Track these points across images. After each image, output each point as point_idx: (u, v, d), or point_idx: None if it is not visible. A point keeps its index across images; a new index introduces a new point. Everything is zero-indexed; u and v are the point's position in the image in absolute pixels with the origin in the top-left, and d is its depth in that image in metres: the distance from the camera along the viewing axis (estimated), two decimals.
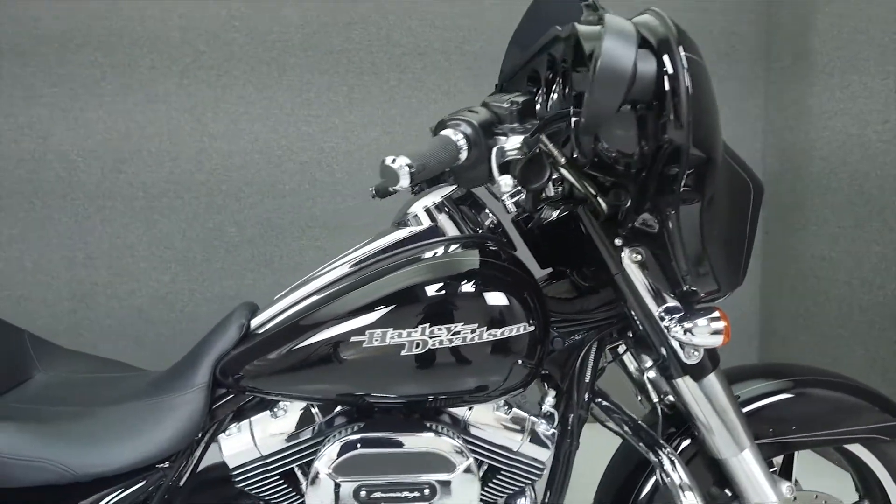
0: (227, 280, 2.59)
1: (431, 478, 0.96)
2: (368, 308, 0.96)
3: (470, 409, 1.03)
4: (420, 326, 0.94)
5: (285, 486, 1.04)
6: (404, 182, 0.80)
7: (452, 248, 1.01)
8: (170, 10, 2.46)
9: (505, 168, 0.97)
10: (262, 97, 2.54)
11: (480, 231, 1.08)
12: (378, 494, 0.95)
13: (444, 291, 0.96)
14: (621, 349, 1.19)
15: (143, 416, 0.99)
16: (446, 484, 0.96)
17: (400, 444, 0.97)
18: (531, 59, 1.13)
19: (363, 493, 0.95)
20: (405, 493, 0.95)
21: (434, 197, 1.09)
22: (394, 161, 0.79)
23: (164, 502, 1.01)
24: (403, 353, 0.94)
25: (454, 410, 1.04)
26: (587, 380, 1.09)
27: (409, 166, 0.83)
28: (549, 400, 1.08)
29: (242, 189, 2.57)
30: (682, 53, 0.80)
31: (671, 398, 1.18)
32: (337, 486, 0.95)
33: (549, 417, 1.07)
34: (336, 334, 0.97)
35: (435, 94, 2.63)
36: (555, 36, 0.98)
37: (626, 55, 0.75)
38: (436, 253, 1.00)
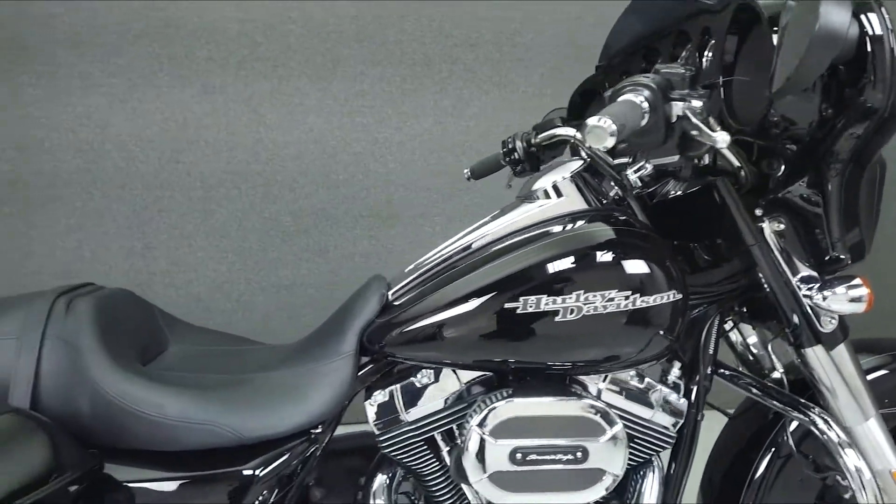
0: (282, 269, 2.61)
1: (583, 442, 0.99)
2: (521, 276, 0.99)
3: (605, 377, 1.06)
4: (574, 293, 0.97)
5: (428, 451, 1.06)
6: (609, 142, 0.82)
7: (590, 219, 1.04)
8: (227, 2, 2.48)
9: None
10: (316, 88, 2.57)
11: (605, 203, 1.11)
12: (533, 457, 0.98)
13: (598, 259, 0.99)
14: (728, 325, 1.22)
15: (298, 382, 1.02)
16: (597, 448, 0.99)
17: (552, 409, 1.00)
18: (651, 34, 1.15)
19: (518, 456, 0.98)
20: (559, 456, 0.98)
21: (563, 172, 1.11)
22: (601, 121, 0.81)
23: (313, 467, 1.04)
24: (558, 319, 0.97)
25: (588, 378, 1.07)
26: (710, 352, 1.12)
27: (616, 126, 0.83)
28: (675, 371, 1.11)
29: (297, 179, 2.59)
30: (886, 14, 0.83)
31: (777, 373, 1.21)
32: (493, 448, 0.97)
33: (675, 388, 1.10)
34: (488, 301, 0.99)
35: (486, 85, 2.66)
36: (700, 9, 1.00)
37: (843, 17, 0.76)
38: (576, 224, 1.03)
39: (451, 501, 1.08)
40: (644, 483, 1.07)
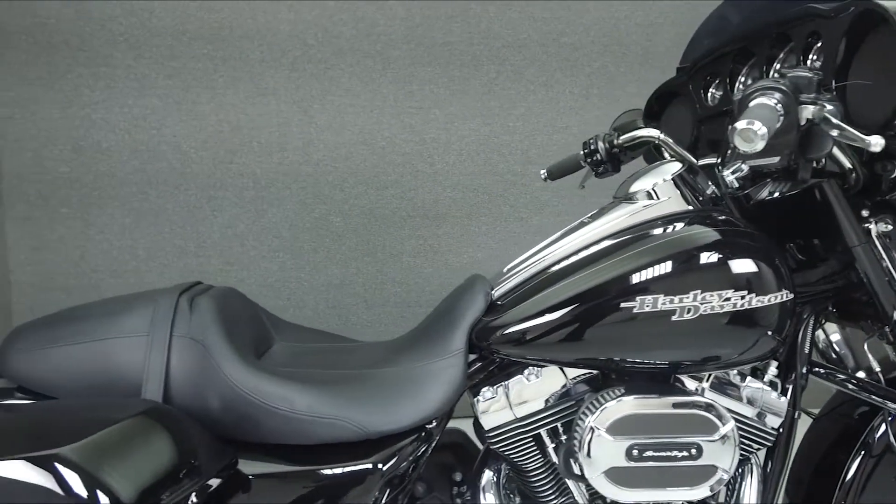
0: (332, 268, 2.65)
1: (697, 439, 1.01)
2: (638, 275, 1.01)
3: (708, 376, 1.08)
4: (692, 293, 0.99)
5: (534, 447, 1.09)
6: (759, 145, 0.84)
7: (699, 220, 1.06)
8: (279, 3, 2.51)
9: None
10: (366, 89, 2.60)
11: (705, 204, 1.13)
12: (649, 453, 1.00)
13: (714, 259, 1.01)
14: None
15: (414, 379, 1.05)
16: (711, 445, 1.01)
17: (668, 406, 1.02)
18: (746, 36, 1.17)
19: (635, 452, 1.00)
20: (674, 453, 1.00)
21: (663, 174, 1.13)
22: (753, 124, 0.82)
23: (425, 462, 1.06)
24: (674, 318, 0.99)
25: (690, 376, 1.09)
26: (806, 351, 1.14)
27: (766, 129, 0.85)
28: (772, 370, 1.13)
29: (347, 180, 2.62)
30: None
31: (862, 372, 1.23)
32: (611, 444, 1.00)
33: (773, 387, 1.12)
34: (604, 301, 1.02)
35: (533, 86, 2.68)
36: (812, 13, 1.01)
37: None
38: (686, 225, 1.05)
39: (552, 497, 1.10)
40: (743, 482, 1.10)
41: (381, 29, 2.57)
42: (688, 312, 0.99)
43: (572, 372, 1.09)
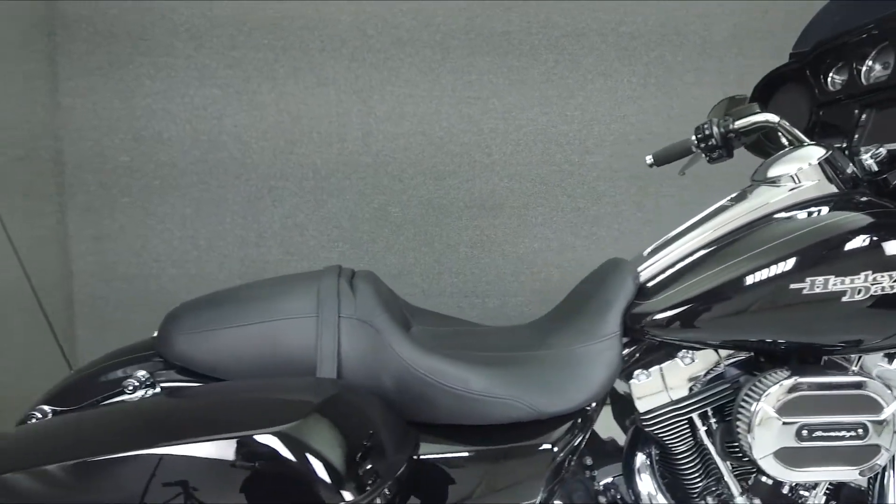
0: (390, 258, 2.65)
1: (864, 419, 1.02)
2: (805, 257, 1.01)
3: (858, 358, 1.08)
4: (863, 274, 0.99)
5: (686, 430, 1.10)
6: None
7: (853, 203, 1.06)
8: None
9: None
10: (425, 79, 2.59)
11: (847, 187, 1.13)
12: (818, 433, 1.01)
13: (883, 240, 1.01)
14: None
15: (576, 361, 1.05)
16: (876, 425, 1.02)
17: (835, 387, 1.03)
18: (858, 30, 1.17)
19: (804, 432, 1.01)
20: (842, 433, 1.01)
21: (807, 158, 1.13)
22: None
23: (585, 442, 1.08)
24: (844, 299, 0.99)
25: (841, 357, 1.10)
26: None
27: None
28: None
29: (405, 170, 2.62)
30: None
31: None
32: (781, 425, 1.01)
33: None
34: (770, 283, 1.02)
35: (591, 75, 2.68)
36: None
37: None
38: (828, 210, 1.06)
39: (698, 479, 1.11)
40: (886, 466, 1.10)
41: (441, 19, 2.57)
42: (858, 293, 0.99)
43: (725, 354, 1.09)
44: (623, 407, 1.18)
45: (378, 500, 0.82)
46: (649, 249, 1.17)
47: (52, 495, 0.76)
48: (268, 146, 2.54)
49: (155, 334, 1.05)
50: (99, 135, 2.47)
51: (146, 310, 2.56)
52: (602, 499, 1.15)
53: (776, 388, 1.01)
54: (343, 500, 0.80)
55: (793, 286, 1.00)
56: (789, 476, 1.03)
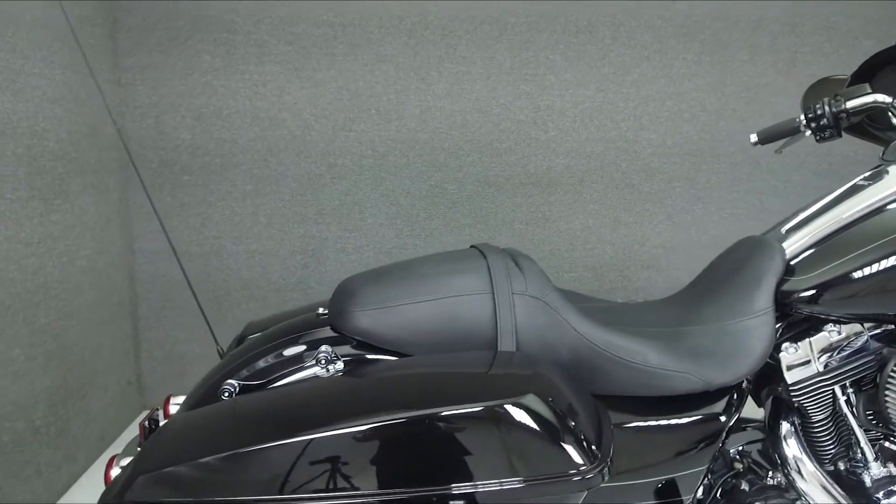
0: (447, 236, 2.67)
1: None
2: None
3: None
4: None
5: (830, 399, 1.15)
6: None
7: None
8: None
9: None
10: (483, 56, 2.59)
11: None
12: None
13: None
14: None
15: (735, 336, 1.09)
16: None
17: None
18: None
19: None
20: None
21: None
22: None
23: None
24: None
25: None
26: None
27: None
28: None
29: (462, 147, 2.63)
30: None
31: None
32: None
33: None
34: None
35: (647, 52, 2.67)
36: None
37: None
38: None
39: (831, 445, 1.17)
40: None
41: None
42: None
43: (869, 326, 1.14)
44: (759, 383, 1.22)
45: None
46: (788, 227, 1.21)
47: (277, 469, 0.79)
48: (327, 123, 2.55)
49: (320, 311, 1.08)
50: (159, 112, 2.48)
51: (208, 287, 2.59)
52: (738, 465, 1.19)
53: None
54: (578, 468, 0.84)
55: None
56: None
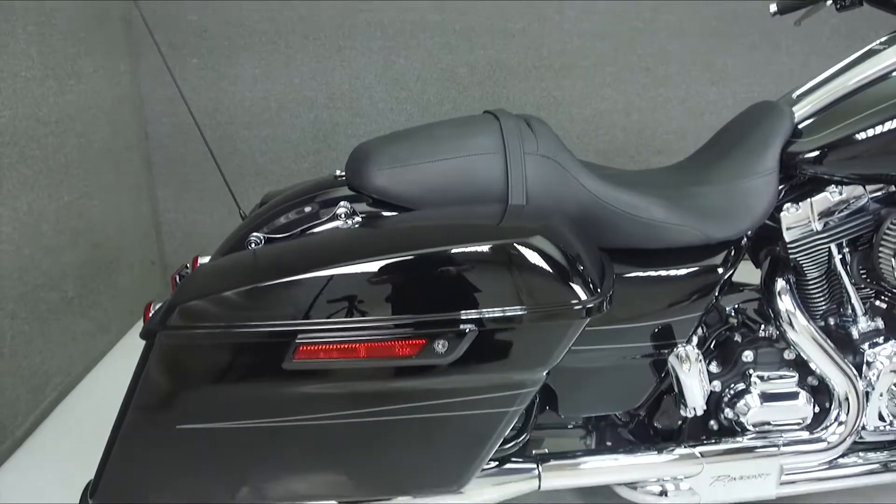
0: None
1: None
2: None
3: None
4: None
5: (825, 258, 1.20)
6: None
7: None
8: None
9: None
10: None
11: None
12: None
13: None
14: None
15: (738, 194, 1.14)
16: None
17: None
18: None
19: None
20: None
21: None
22: None
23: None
24: None
25: None
26: None
27: None
28: None
29: (474, 28, 2.58)
30: None
31: None
32: None
33: None
34: None
35: None
36: None
37: None
38: None
39: (823, 302, 1.24)
40: None
41: None
42: None
43: (871, 188, 1.17)
44: (757, 244, 1.27)
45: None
46: (799, 92, 1.22)
47: (301, 300, 0.88)
48: (336, 4, 2.49)
49: (338, 172, 1.12)
50: None
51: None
52: (733, 320, 1.27)
53: None
54: (580, 298, 0.93)
55: None
56: None
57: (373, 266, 0.89)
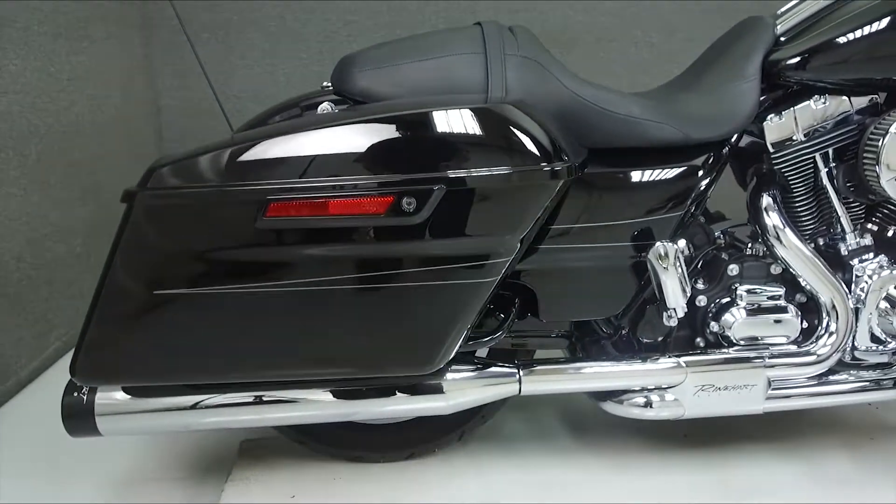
0: None
1: None
2: None
3: None
4: None
5: (810, 170, 1.19)
6: None
7: None
8: None
9: None
10: None
11: None
12: None
13: None
14: None
15: (721, 97, 1.15)
16: None
17: None
18: None
19: None
20: None
21: None
22: None
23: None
24: None
25: None
26: None
27: None
28: None
29: (478, 3, 2.61)
30: None
31: None
32: None
33: None
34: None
35: None
36: None
37: None
38: None
39: (811, 221, 1.23)
40: None
41: None
42: None
43: (856, 102, 1.16)
44: (744, 164, 1.27)
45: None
46: (783, 9, 1.22)
47: (278, 157, 0.91)
48: None
49: (324, 84, 1.15)
50: None
51: None
52: (720, 241, 1.27)
53: None
54: (548, 161, 0.96)
55: None
56: None
57: (342, 129, 0.91)
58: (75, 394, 1.04)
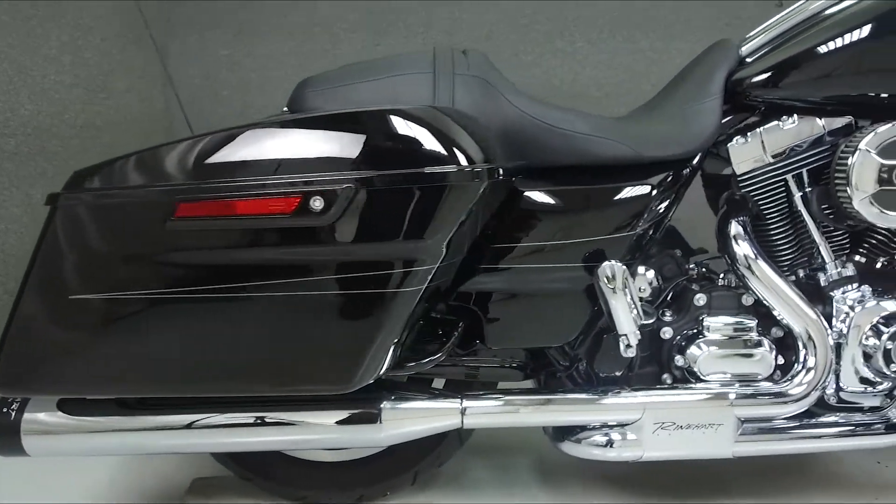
0: None
1: None
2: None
3: None
4: None
5: (782, 195, 1.14)
6: None
7: None
8: None
9: None
10: None
11: None
12: None
13: None
14: None
15: (679, 117, 1.12)
16: None
17: None
18: None
19: None
20: None
21: None
22: None
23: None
24: None
25: None
26: None
27: None
28: None
29: (487, 51, 2.65)
30: None
31: None
32: (879, 166, 1.04)
33: None
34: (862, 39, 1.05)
35: None
36: None
37: None
38: None
39: (788, 249, 1.16)
40: None
41: None
42: None
43: (828, 121, 1.11)
44: (716, 191, 1.22)
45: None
46: (753, 32, 1.21)
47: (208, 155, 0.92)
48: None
49: (284, 109, 1.17)
50: None
51: None
52: (692, 272, 1.21)
53: (883, 129, 1.04)
54: (466, 163, 0.94)
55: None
56: (883, 220, 1.05)
57: (254, 132, 0.92)
58: (4, 409, 1.03)
